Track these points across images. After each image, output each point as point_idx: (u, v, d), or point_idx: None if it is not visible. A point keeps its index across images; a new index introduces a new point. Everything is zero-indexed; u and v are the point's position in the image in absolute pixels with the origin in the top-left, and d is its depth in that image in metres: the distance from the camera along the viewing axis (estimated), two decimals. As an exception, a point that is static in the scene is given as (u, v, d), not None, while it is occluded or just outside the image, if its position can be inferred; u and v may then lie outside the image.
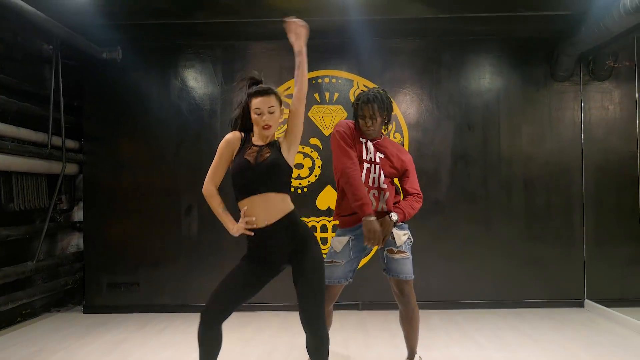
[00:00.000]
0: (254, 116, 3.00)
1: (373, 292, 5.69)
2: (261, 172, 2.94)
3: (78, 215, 6.17)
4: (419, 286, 5.56)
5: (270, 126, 2.98)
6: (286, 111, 3.10)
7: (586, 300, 5.82)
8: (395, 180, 3.65)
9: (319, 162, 5.86)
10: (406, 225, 3.57)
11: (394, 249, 3.47)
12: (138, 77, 5.94)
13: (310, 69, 5.77)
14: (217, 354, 3.00)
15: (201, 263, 5.79)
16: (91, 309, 5.83)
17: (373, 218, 3.30)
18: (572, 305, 5.84)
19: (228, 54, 5.96)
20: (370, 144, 3.53)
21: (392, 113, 3.61)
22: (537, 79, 5.95)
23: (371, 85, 5.87)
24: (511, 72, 5.96)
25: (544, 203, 5.91)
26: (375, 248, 3.62)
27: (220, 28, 5.70)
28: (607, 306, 5.51)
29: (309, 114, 5.87)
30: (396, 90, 5.92)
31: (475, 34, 5.93)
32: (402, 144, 5.87)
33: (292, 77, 5.71)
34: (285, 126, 3.11)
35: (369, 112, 3.45)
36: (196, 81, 5.98)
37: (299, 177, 5.84)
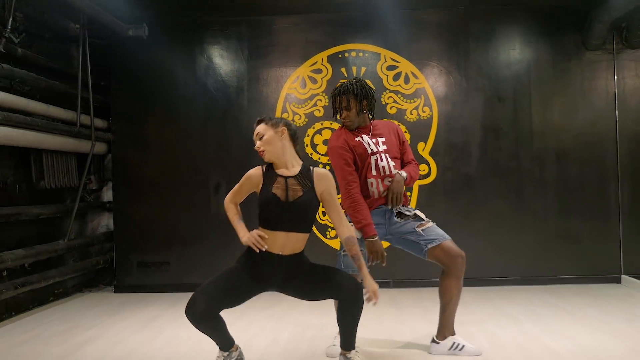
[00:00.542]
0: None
1: (404, 270, 5.61)
2: (291, 212, 2.98)
3: (107, 195, 6.19)
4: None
5: (263, 151, 3.03)
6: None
7: (623, 276, 5.67)
8: None
9: (346, 138, 5.78)
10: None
11: (424, 222, 3.52)
12: (164, 54, 5.93)
13: (337, 43, 5.88)
14: (225, 330, 3.07)
15: (231, 241, 5.65)
16: (122, 288, 5.86)
17: (376, 238, 3.41)
18: (608, 281, 5.68)
19: (253, 29, 5.91)
20: (366, 137, 3.55)
21: (374, 100, 3.63)
22: (569, 48, 5.80)
23: (398, 58, 5.78)
24: (541, 41, 5.82)
25: (578, 176, 5.78)
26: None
27: (245, 2, 5.67)
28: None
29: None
30: (424, 63, 5.83)
31: (503, 3, 5.80)
32: (431, 117, 5.79)
33: (317, 52, 5.79)
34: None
35: (342, 103, 3.53)
36: (222, 58, 5.94)
37: (326, 154, 5.77)
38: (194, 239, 5.84)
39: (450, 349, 3.56)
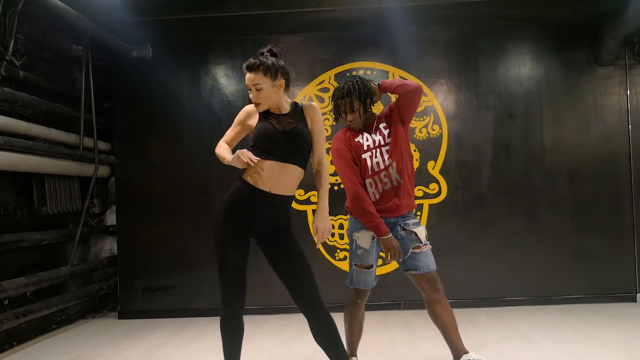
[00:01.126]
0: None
1: (416, 290, 5.44)
2: (287, 141, 2.87)
3: (111, 219, 6.07)
4: (462, 283, 5.46)
5: (259, 104, 2.89)
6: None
7: (638, 295, 5.55)
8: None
9: (355, 157, 5.67)
10: (419, 220, 3.55)
11: (421, 245, 3.42)
12: (168, 75, 5.83)
13: (344, 61, 5.78)
14: (240, 346, 2.98)
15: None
16: (126, 314, 5.71)
17: (389, 236, 3.33)
18: (623, 300, 5.56)
19: (259, 48, 5.78)
20: (367, 135, 3.47)
21: (374, 98, 3.53)
22: (580, 64, 5.71)
23: (407, 75, 5.68)
24: (552, 57, 5.73)
25: (591, 193, 5.66)
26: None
27: (251, 21, 5.56)
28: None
29: (344, 108, 5.70)
30: (433, 80, 5.73)
31: (513, 19, 5.70)
32: (441, 135, 5.68)
33: (324, 70, 5.70)
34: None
35: (347, 107, 3.42)
36: (227, 77, 5.85)
37: (335, 174, 5.66)
38: (200, 263, 5.70)
39: None
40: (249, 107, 3.01)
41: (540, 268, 5.60)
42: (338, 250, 5.66)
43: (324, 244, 5.61)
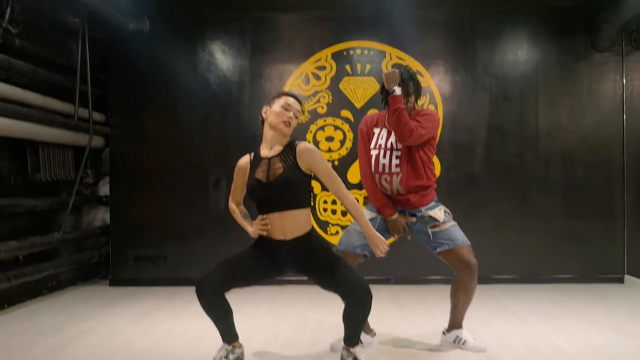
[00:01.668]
0: (277, 109, 2.96)
1: (405, 267, 5.55)
2: (274, 191, 2.89)
3: (104, 189, 6.06)
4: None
5: (290, 124, 2.94)
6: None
7: (626, 276, 5.62)
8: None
9: (350, 135, 5.69)
10: (439, 204, 3.48)
11: (438, 223, 3.39)
12: (165, 49, 5.81)
13: (342, 40, 5.80)
14: (231, 319, 3.04)
15: (229, 236, 5.60)
16: (118, 282, 5.73)
17: (394, 217, 3.39)
18: (611, 281, 5.64)
19: (256, 25, 5.82)
20: (384, 130, 3.49)
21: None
22: (577, 49, 5.73)
23: (404, 56, 5.70)
24: (549, 42, 5.74)
25: (583, 177, 5.70)
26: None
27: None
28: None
29: (340, 86, 5.72)
30: (430, 62, 5.75)
31: (511, 3, 5.74)
32: (436, 116, 5.70)
33: (321, 48, 5.71)
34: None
35: (406, 90, 3.40)
36: (224, 53, 5.84)
37: (329, 150, 5.69)
38: (192, 234, 5.73)
39: (454, 341, 3.55)
40: (241, 163, 3.08)
41: (531, 248, 5.66)
42: (330, 225, 5.69)
43: (316, 219, 5.63)
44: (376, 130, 3.50)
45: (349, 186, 5.59)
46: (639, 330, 3.92)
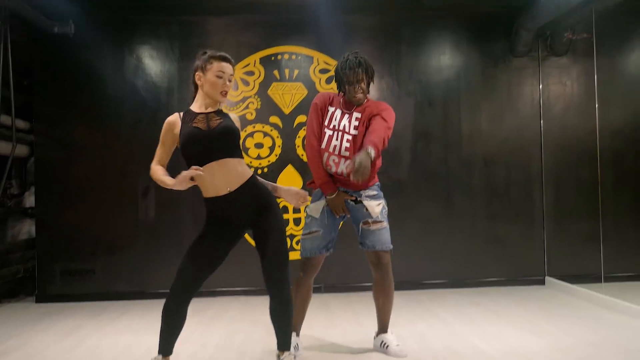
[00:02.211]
0: (212, 79, 2.94)
1: (335, 275, 5.62)
2: (216, 138, 2.88)
3: (29, 201, 5.91)
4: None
5: (226, 93, 2.97)
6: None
7: (547, 278, 5.86)
8: None
9: (279, 142, 5.74)
10: (380, 194, 3.58)
11: (370, 221, 3.49)
12: (91, 53, 5.69)
13: (269, 45, 5.81)
14: (179, 333, 2.98)
15: (159, 248, 5.61)
16: (44, 298, 5.59)
17: (335, 195, 3.46)
18: (533, 283, 5.88)
19: (185, 29, 5.77)
20: (338, 111, 3.49)
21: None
22: (497, 54, 5.94)
23: (331, 61, 5.77)
24: (471, 48, 5.94)
25: (504, 181, 5.93)
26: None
27: (177, 2, 5.55)
28: (568, 283, 5.56)
29: (269, 92, 5.75)
30: (356, 68, 5.82)
31: (434, 9, 5.87)
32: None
33: (250, 53, 5.71)
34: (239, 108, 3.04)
35: (356, 77, 3.41)
36: (152, 58, 5.77)
37: (259, 157, 5.72)
38: (121, 246, 5.65)
39: (380, 345, 3.68)
40: (170, 118, 2.99)
41: (456, 253, 5.84)
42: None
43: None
44: (331, 109, 3.51)
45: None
46: (553, 330, 4.14)
